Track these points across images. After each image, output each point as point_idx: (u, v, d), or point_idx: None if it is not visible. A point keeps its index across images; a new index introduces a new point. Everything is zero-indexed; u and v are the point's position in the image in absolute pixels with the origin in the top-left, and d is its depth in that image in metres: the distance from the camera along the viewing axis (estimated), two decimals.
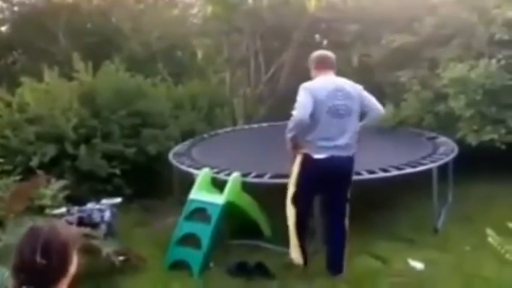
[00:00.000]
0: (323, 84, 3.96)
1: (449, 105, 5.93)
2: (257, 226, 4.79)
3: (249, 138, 6.66)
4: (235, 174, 4.60)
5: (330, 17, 7.87)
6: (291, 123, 3.90)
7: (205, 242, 4.29)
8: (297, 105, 3.86)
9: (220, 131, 7.07)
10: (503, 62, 5.70)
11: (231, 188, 4.50)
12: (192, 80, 8.11)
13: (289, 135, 3.94)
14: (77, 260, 1.72)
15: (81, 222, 4.22)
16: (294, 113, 3.86)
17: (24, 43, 9.47)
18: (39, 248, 1.62)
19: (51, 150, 5.78)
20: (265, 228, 4.84)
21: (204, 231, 4.35)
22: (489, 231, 2.79)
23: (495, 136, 5.68)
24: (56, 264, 1.66)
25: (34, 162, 5.61)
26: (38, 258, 1.61)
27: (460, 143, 5.74)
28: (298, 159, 4.04)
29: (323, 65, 4.09)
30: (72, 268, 1.70)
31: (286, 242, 4.66)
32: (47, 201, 4.44)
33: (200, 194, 4.58)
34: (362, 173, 4.83)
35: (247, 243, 4.72)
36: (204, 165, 5.02)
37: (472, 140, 5.74)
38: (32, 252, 1.62)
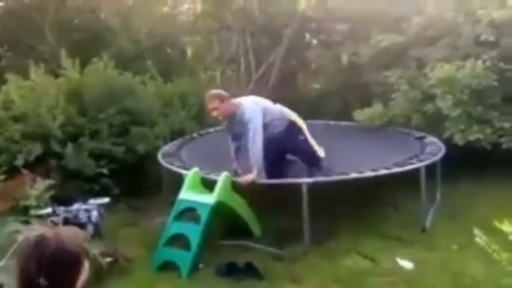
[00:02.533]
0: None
1: (437, 105, 5.97)
2: (247, 226, 4.78)
3: None
4: (225, 174, 4.58)
5: (319, 16, 7.87)
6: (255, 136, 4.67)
7: (194, 242, 4.27)
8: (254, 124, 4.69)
9: (210, 130, 7.04)
10: (488, 63, 5.75)
11: (221, 188, 4.48)
12: (181, 78, 8.05)
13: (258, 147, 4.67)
14: (87, 267, 1.61)
15: (67, 223, 4.18)
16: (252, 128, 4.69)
17: (10, 39, 9.33)
18: (45, 268, 1.50)
19: (36, 149, 5.70)
20: (255, 229, 4.83)
21: (194, 232, 4.33)
22: (476, 231, 2.81)
23: (481, 136, 5.73)
24: (62, 283, 1.54)
25: (19, 161, 5.52)
26: (42, 280, 1.50)
27: (448, 142, 5.78)
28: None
29: (231, 95, 5.02)
30: (82, 278, 1.59)
31: (275, 243, 4.68)
32: (32, 201, 4.38)
33: (190, 193, 4.55)
34: (351, 172, 4.85)
35: (237, 244, 4.71)
36: (193, 165, 4.99)
37: (459, 139, 5.79)
38: (38, 273, 1.47)
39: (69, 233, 1.58)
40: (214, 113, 4.87)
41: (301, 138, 5.09)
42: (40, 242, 1.51)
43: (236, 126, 4.89)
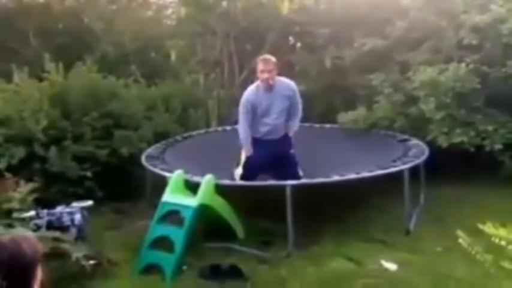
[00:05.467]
0: None
1: (420, 108, 6.02)
2: (230, 228, 4.77)
3: (223, 141, 6.64)
4: (209, 176, 4.57)
5: (303, 20, 7.89)
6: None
7: (178, 245, 4.25)
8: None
9: (193, 132, 7.03)
10: (471, 66, 5.82)
11: (205, 190, 4.47)
12: (165, 81, 8.04)
13: None
14: (40, 274, 1.66)
15: (50, 226, 4.13)
16: None
17: None
18: (0, 270, 1.55)
19: (20, 152, 5.64)
20: (239, 231, 4.82)
21: (177, 234, 4.31)
22: (460, 232, 2.82)
23: (464, 138, 5.78)
24: (19, 285, 1.59)
25: (2, 164, 5.47)
26: (0, 281, 1.54)
27: (431, 145, 5.82)
28: None
29: None
30: (36, 284, 1.64)
31: (259, 245, 4.68)
32: (15, 205, 4.31)
33: (173, 196, 4.54)
34: (334, 175, 4.87)
35: (221, 246, 4.70)
36: (177, 168, 4.97)
37: (443, 142, 5.83)
38: None
39: (26, 241, 1.65)
40: (266, 75, 4.96)
41: (292, 152, 5.14)
42: None
43: (273, 98, 5.03)
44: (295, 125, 5.32)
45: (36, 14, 8.79)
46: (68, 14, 9.26)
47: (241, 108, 5.11)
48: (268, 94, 5.03)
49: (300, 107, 5.31)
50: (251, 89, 5.14)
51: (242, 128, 5.11)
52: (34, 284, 1.62)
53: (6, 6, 9.40)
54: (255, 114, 5.06)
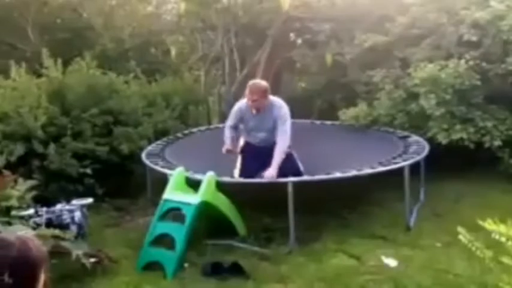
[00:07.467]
0: None
1: (421, 105, 6.01)
2: (232, 226, 4.76)
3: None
4: (210, 174, 4.57)
5: (304, 16, 7.88)
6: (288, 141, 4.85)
7: (179, 242, 4.25)
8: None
9: (194, 129, 7.01)
10: (471, 63, 5.82)
11: (206, 188, 4.46)
12: (165, 77, 8.02)
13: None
14: (44, 277, 1.66)
15: (49, 224, 4.12)
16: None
17: None
18: (8, 267, 1.55)
19: (18, 149, 5.61)
20: (240, 228, 4.81)
21: (178, 232, 4.30)
22: (460, 228, 2.82)
23: (464, 135, 5.79)
24: (24, 284, 1.59)
25: (0, 161, 5.44)
26: (6, 278, 1.54)
27: (431, 141, 5.83)
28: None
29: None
30: (40, 285, 1.64)
31: (261, 242, 4.68)
32: (14, 202, 4.29)
33: (174, 193, 4.52)
34: (335, 172, 4.87)
35: (222, 243, 4.69)
36: (178, 165, 4.96)
37: (442, 138, 5.84)
38: (0, 271, 1.55)
39: (32, 240, 1.65)
40: (251, 103, 4.89)
41: (289, 151, 5.07)
42: (2, 243, 1.57)
43: (261, 120, 4.96)
44: (283, 145, 4.85)
45: (34, 9, 8.75)
46: (67, 9, 9.23)
47: (231, 114, 5.21)
48: (256, 115, 5.02)
49: (287, 123, 4.90)
50: (242, 103, 5.12)
51: (226, 128, 5.23)
52: (39, 285, 1.62)
53: (4, 1, 9.36)
54: (245, 127, 5.14)
